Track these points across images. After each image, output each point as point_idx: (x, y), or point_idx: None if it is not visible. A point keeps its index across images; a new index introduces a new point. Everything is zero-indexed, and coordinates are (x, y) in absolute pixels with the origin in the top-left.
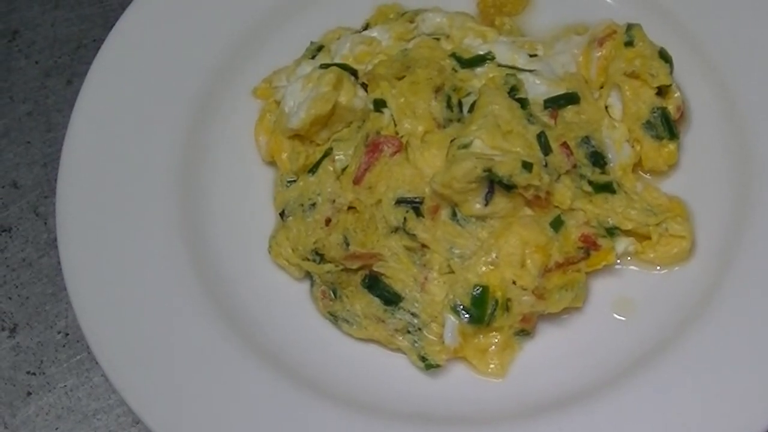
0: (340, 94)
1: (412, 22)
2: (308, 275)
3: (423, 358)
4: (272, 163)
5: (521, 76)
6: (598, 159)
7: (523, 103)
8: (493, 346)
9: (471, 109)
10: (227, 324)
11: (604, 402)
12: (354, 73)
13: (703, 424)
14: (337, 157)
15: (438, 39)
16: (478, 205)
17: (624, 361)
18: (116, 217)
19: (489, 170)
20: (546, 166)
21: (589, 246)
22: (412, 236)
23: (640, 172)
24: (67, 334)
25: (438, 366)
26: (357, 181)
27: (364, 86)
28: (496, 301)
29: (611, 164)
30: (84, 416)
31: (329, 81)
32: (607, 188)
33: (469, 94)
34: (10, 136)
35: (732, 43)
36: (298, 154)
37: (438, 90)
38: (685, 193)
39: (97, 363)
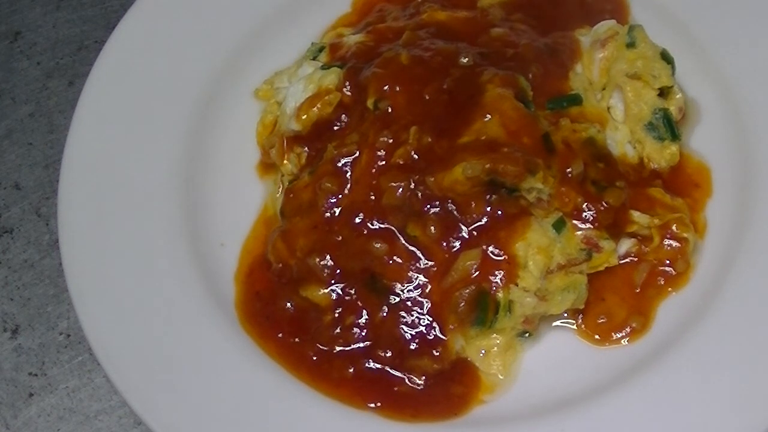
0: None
1: None
2: None
3: None
4: (273, 163)
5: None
6: (601, 160)
7: (528, 104)
8: (496, 348)
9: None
10: (229, 325)
11: (605, 403)
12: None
13: (705, 424)
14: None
15: None
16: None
17: (625, 362)
18: (118, 218)
19: (493, 173)
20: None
21: (591, 247)
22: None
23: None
24: (69, 336)
25: None
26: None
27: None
28: (499, 303)
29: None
30: (86, 417)
31: (330, 82)
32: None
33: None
34: (12, 137)
35: (734, 44)
36: (299, 155)
37: None
38: None
39: (98, 364)
